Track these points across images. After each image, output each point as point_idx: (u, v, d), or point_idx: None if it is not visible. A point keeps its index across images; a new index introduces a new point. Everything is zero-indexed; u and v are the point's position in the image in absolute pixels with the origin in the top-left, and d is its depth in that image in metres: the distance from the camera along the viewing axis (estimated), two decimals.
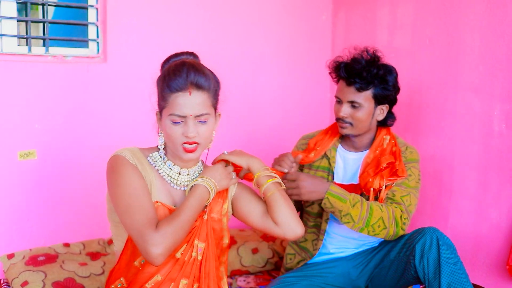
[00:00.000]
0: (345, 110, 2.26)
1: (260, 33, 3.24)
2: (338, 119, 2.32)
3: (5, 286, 2.49)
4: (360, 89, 2.23)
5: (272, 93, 3.32)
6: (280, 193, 1.83)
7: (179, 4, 2.97)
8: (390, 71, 2.29)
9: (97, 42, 2.85)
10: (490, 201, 2.55)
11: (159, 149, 1.78)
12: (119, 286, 1.75)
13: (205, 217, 1.73)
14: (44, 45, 2.74)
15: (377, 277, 2.33)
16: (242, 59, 3.19)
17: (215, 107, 1.73)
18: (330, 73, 2.41)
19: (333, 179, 2.38)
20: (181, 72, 1.62)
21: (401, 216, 2.17)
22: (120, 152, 1.70)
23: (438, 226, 2.72)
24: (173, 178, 1.75)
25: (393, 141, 2.36)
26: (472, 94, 2.61)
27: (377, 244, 2.40)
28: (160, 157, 1.76)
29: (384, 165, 2.26)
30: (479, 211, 2.60)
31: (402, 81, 2.49)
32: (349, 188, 2.32)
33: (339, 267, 2.39)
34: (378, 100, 2.27)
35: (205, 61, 2.86)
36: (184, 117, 1.62)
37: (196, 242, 1.70)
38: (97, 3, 2.82)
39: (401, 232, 2.17)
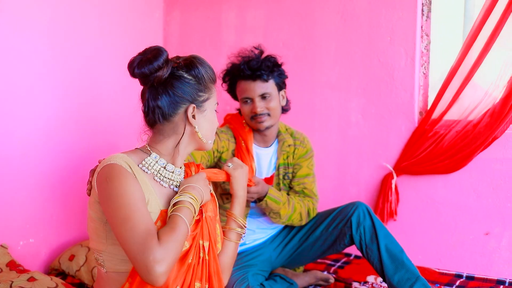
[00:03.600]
0: (260, 104, 2.41)
1: (96, 27, 3.00)
2: (255, 116, 2.42)
3: None
4: (266, 79, 2.41)
5: (109, 89, 3.10)
6: (237, 246, 1.83)
7: None
8: (276, 59, 2.50)
9: None
10: (349, 180, 3.04)
11: (148, 153, 1.63)
12: None
13: (204, 214, 1.64)
14: None
15: (297, 256, 2.55)
16: (82, 53, 2.91)
17: None
18: (224, 83, 2.52)
19: (256, 174, 2.50)
20: None
21: (313, 209, 2.53)
22: (114, 160, 1.52)
23: None
24: (170, 179, 1.63)
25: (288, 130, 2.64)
26: (329, 90, 3.06)
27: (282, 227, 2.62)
28: (156, 162, 1.60)
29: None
30: (339, 189, 3.07)
31: None
32: (265, 181, 2.51)
33: (263, 254, 2.53)
34: (279, 86, 2.49)
35: (46, 55, 2.61)
36: None
37: (201, 242, 1.61)
38: None
39: (307, 220, 2.52)
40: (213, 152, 2.41)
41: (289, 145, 2.53)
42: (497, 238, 2.73)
